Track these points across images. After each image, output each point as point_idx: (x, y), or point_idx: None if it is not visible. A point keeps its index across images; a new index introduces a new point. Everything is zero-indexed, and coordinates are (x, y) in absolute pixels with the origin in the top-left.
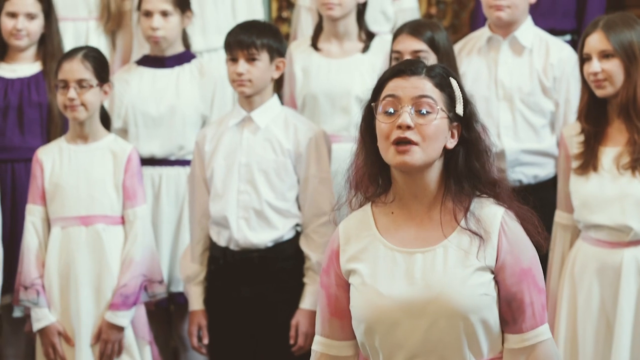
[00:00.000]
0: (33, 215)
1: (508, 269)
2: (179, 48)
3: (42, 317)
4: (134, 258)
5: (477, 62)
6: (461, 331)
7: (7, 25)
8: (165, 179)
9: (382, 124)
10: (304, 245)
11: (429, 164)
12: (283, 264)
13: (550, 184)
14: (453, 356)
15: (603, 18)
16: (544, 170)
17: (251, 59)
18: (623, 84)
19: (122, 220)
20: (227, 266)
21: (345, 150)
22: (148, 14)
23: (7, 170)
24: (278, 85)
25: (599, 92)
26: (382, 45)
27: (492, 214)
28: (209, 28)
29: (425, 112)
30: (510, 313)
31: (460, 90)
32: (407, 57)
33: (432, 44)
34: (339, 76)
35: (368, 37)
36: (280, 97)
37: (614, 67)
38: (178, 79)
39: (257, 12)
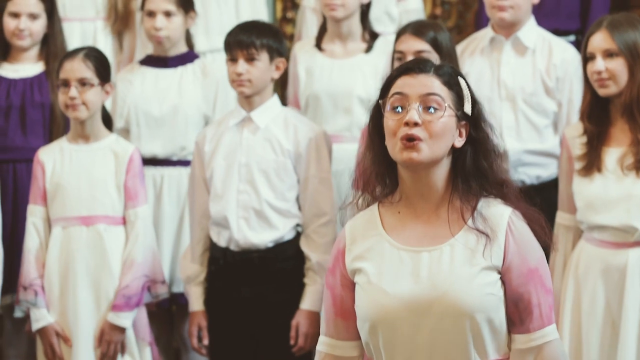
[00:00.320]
0: (34, 215)
1: (515, 269)
2: (182, 48)
3: (41, 318)
4: (136, 259)
5: (480, 63)
6: (467, 331)
7: (9, 25)
8: (167, 179)
9: (389, 121)
10: (304, 245)
11: (436, 162)
12: (283, 264)
13: (553, 185)
14: (458, 356)
15: (607, 18)
16: (546, 170)
17: (251, 59)
18: (627, 83)
19: (124, 221)
20: (227, 267)
21: (347, 150)
22: (151, 14)
23: (9, 171)
24: (283, 85)
25: (602, 91)
26: (385, 46)
27: (499, 213)
28: (213, 29)
29: (432, 110)
30: (518, 314)
31: (469, 90)
32: (410, 57)
33: (435, 45)
34: (341, 76)
35: (372, 37)
36: (284, 98)
37: (618, 66)
38: (181, 79)
39: (260, 12)
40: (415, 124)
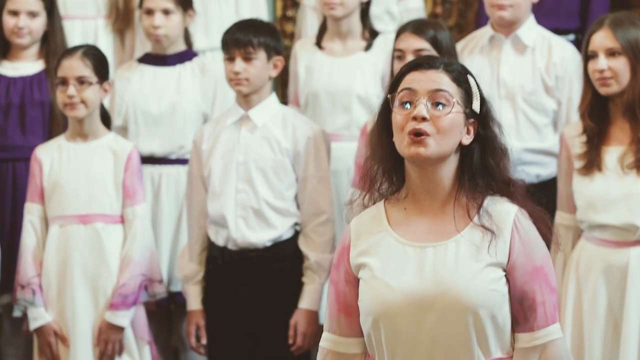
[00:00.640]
0: (31, 214)
1: (520, 267)
2: (180, 46)
3: (38, 317)
4: (133, 257)
5: (480, 61)
6: (470, 326)
7: (9, 24)
8: (165, 178)
9: (397, 116)
10: (302, 244)
11: (443, 158)
12: (281, 263)
13: (553, 184)
14: (461, 352)
15: (609, 16)
16: (546, 169)
17: (248, 58)
18: (629, 82)
19: (122, 219)
20: (225, 266)
21: (347, 149)
22: (150, 12)
23: (8, 170)
24: (284, 84)
25: (604, 90)
26: (385, 44)
27: (505, 211)
28: (212, 27)
29: (441, 106)
30: (522, 312)
31: (478, 88)
32: (410, 55)
33: (435, 43)
34: (340, 75)
35: (371, 35)
36: (285, 97)
37: (621, 65)
38: (179, 77)
39: (260, 11)
40: (423, 119)
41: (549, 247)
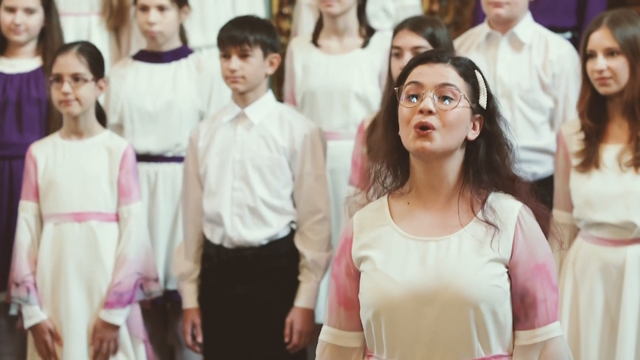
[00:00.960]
0: (26, 211)
1: (522, 264)
2: (176, 43)
3: (33, 315)
4: (128, 256)
5: (476, 59)
6: (471, 321)
7: (5, 20)
8: (161, 176)
9: (404, 109)
10: (298, 243)
11: (449, 153)
12: (277, 262)
13: (549, 182)
14: (461, 347)
15: (607, 15)
16: (542, 167)
17: (244, 55)
18: (628, 81)
19: (117, 218)
20: (221, 264)
21: (344, 147)
22: (144, 9)
23: (4, 167)
24: (279, 82)
25: (603, 90)
26: (382, 42)
27: (510, 207)
28: (209, 24)
29: (447, 100)
30: (523, 309)
31: (485, 84)
32: (407, 53)
33: (433, 40)
34: (338, 73)
35: (368, 33)
36: (281, 94)
37: (619, 64)
38: (175, 74)
39: (257, 8)
40: (430, 112)
41: (551, 245)
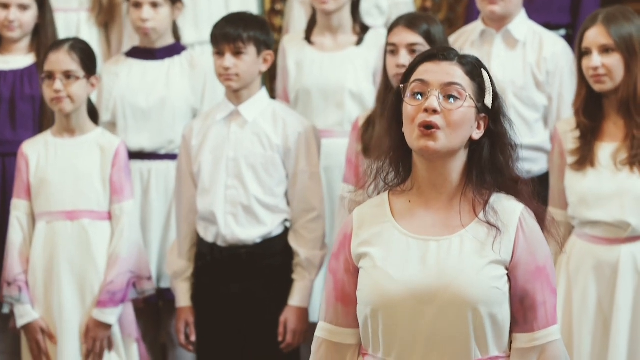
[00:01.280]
0: (18, 210)
1: (523, 266)
2: (169, 40)
3: (25, 314)
4: (120, 254)
5: None
6: (469, 323)
7: None
8: (154, 173)
9: (408, 107)
10: (292, 241)
11: (452, 152)
12: (271, 260)
13: (543, 180)
14: (459, 348)
15: (602, 12)
16: (537, 165)
17: (238, 53)
18: (623, 79)
19: (109, 216)
20: (214, 262)
21: (339, 145)
22: (137, 5)
23: None
24: (271, 79)
25: (598, 87)
26: (376, 39)
27: (512, 209)
28: (202, 20)
29: (453, 99)
30: (522, 312)
31: (491, 83)
32: (403, 50)
33: (428, 37)
34: (332, 70)
35: (362, 30)
36: (273, 92)
37: (615, 62)
38: (168, 71)
39: (249, 4)
40: (434, 112)
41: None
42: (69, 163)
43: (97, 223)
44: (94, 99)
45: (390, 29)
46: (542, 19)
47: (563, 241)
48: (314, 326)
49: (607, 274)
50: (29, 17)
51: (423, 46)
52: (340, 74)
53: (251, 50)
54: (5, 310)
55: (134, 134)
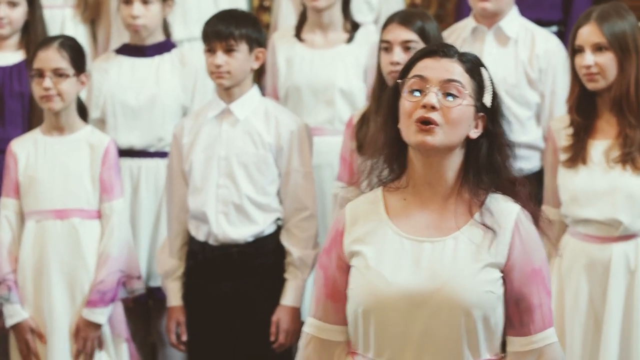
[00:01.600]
0: (7, 208)
1: (518, 268)
2: (159, 37)
3: (14, 314)
4: (111, 253)
5: None
6: (461, 326)
7: None
8: (144, 171)
9: (406, 103)
10: (285, 240)
11: (450, 149)
12: (263, 259)
13: (535, 178)
14: (450, 352)
15: (596, 9)
16: (529, 163)
17: (229, 50)
18: (616, 77)
19: (99, 215)
20: (206, 261)
21: (329, 143)
22: (128, 2)
23: None
24: (258, 75)
25: (591, 86)
26: (367, 37)
27: (508, 210)
28: (190, 17)
29: (451, 97)
30: (518, 314)
31: (490, 82)
32: (397, 47)
33: (423, 34)
34: (322, 68)
35: (353, 27)
36: (262, 88)
37: (607, 60)
38: (158, 68)
39: (238, 1)
40: (433, 108)
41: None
42: (59, 161)
43: (86, 222)
44: (83, 96)
45: (384, 26)
46: (533, 15)
47: (557, 241)
48: None
49: (599, 273)
50: (19, 14)
51: (417, 43)
52: (330, 72)
53: (243, 47)
54: None
55: (124, 132)
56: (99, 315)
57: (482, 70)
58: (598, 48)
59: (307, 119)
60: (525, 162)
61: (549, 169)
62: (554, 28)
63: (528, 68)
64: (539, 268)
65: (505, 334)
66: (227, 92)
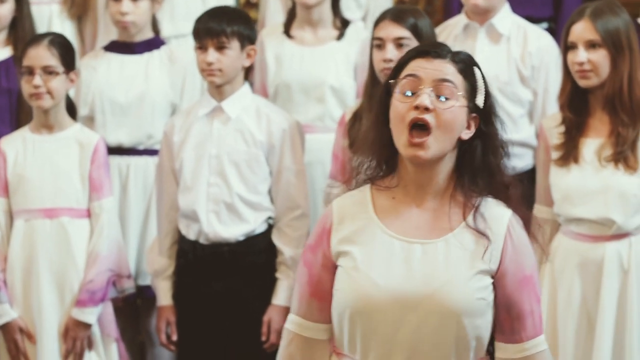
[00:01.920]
0: None
1: (510, 275)
2: (148, 34)
3: (3, 313)
4: (100, 253)
5: None
6: (451, 332)
7: None
8: (133, 169)
9: (398, 104)
10: (276, 239)
11: (443, 157)
12: (254, 258)
13: (528, 176)
14: (438, 357)
15: (589, 6)
16: (522, 161)
17: (221, 48)
18: (609, 75)
19: (88, 213)
20: (196, 260)
21: (320, 141)
22: None
23: None
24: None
25: (583, 83)
26: (357, 33)
27: (500, 215)
28: (178, 14)
29: (444, 98)
30: (509, 321)
31: (483, 82)
32: (389, 44)
33: (415, 31)
34: (313, 65)
35: (343, 24)
36: (250, 85)
37: (600, 57)
38: (147, 65)
39: None
40: (426, 109)
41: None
42: (48, 160)
43: (76, 221)
44: (71, 93)
45: (376, 23)
46: (524, 12)
47: (550, 241)
48: None
49: (592, 272)
50: (6, 10)
51: (410, 40)
52: (321, 69)
53: (235, 45)
54: None
55: (113, 129)
56: (89, 315)
57: (475, 70)
58: (591, 45)
59: (297, 117)
60: (518, 160)
61: (541, 167)
62: (544, 25)
63: (520, 65)
64: (530, 275)
65: (492, 338)
66: (218, 90)
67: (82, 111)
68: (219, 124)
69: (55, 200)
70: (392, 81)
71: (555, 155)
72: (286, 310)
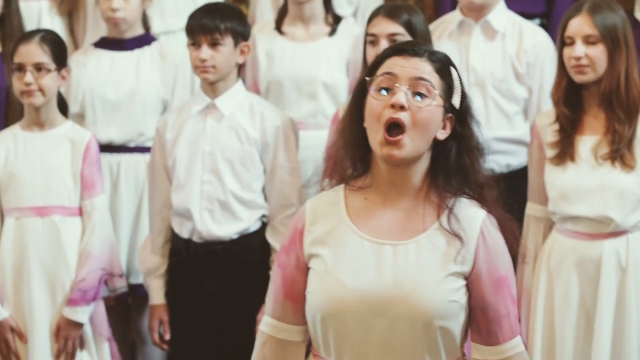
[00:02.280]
0: None
1: (484, 277)
2: (138, 30)
3: None
4: (92, 251)
5: (448, 47)
6: (423, 335)
7: None
8: (124, 166)
9: (374, 102)
10: (270, 237)
11: (418, 157)
12: (248, 256)
13: (523, 174)
14: (412, 358)
15: (587, 1)
16: (516, 158)
17: (215, 44)
18: (605, 71)
19: (80, 212)
20: (190, 259)
21: (312, 138)
22: None
23: None
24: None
25: (579, 78)
26: (349, 29)
27: (473, 216)
28: (168, 10)
29: (420, 97)
30: (485, 323)
31: (460, 82)
32: (383, 40)
33: (409, 27)
34: (304, 61)
35: (335, 20)
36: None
37: (598, 53)
38: (138, 62)
39: None
40: (402, 108)
41: (514, 257)
42: (39, 157)
43: (67, 219)
44: (62, 90)
45: (370, 19)
46: (517, 8)
47: (543, 238)
48: None
49: (589, 270)
50: None
51: (404, 36)
52: (313, 65)
53: (228, 41)
54: None
55: (103, 127)
56: (81, 314)
57: (452, 70)
58: (589, 40)
59: (290, 113)
60: (513, 158)
61: (534, 165)
62: (537, 21)
63: (516, 62)
64: (505, 276)
65: (463, 338)
66: (211, 87)
67: (72, 108)
68: (213, 121)
69: (46, 198)
70: (368, 78)
71: (550, 153)
72: None
